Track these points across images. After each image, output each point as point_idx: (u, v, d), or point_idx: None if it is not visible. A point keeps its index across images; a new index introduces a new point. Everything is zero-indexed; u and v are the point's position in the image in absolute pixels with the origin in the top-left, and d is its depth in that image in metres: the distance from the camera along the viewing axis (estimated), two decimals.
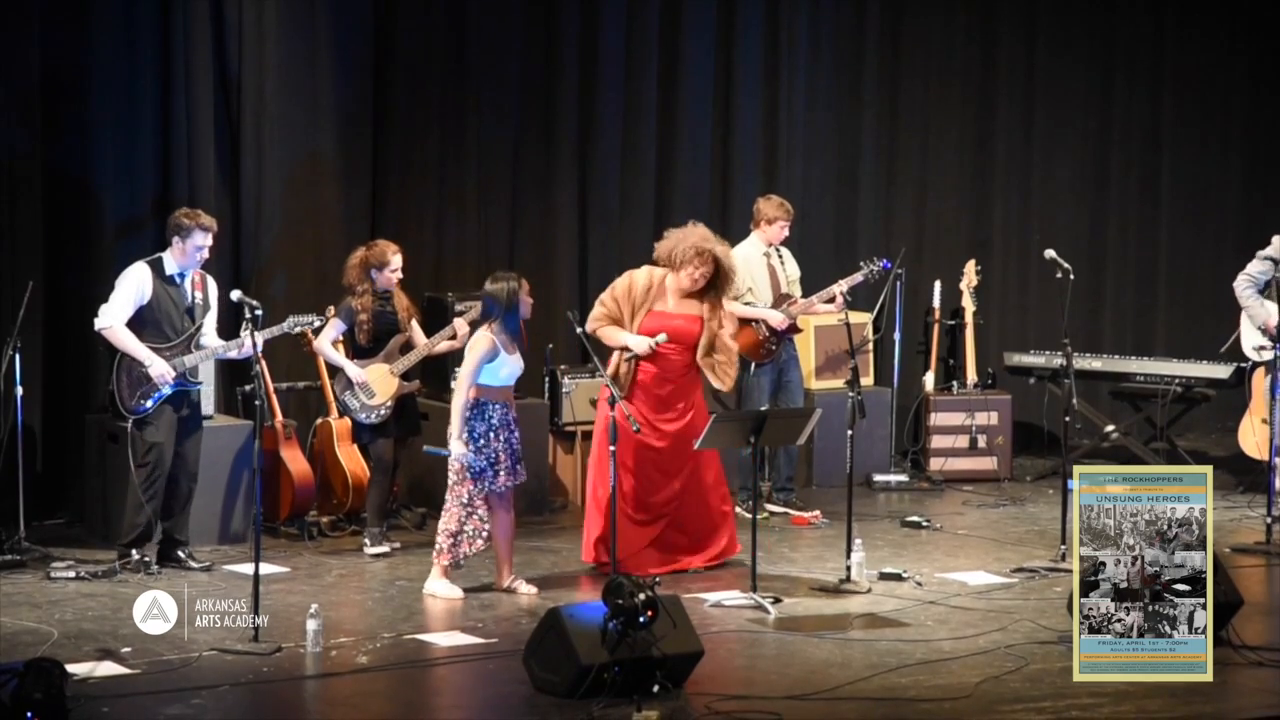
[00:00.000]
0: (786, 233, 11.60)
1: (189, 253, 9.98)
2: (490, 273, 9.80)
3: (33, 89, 10.84)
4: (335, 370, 10.71)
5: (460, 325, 10.62)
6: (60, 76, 10.93)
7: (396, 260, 10.66)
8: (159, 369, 9.88)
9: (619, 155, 12.68)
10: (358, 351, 10.70)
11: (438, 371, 11.21)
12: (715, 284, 10.06)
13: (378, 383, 10.61)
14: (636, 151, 12.73)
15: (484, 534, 9.47)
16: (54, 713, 6.83)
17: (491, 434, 9.42)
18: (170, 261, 10.01)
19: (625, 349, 9.98)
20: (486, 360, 9.38)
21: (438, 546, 9.51)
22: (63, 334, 10.83)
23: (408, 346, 10.71)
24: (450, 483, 9.45)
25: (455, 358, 10.36)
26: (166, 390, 9.92)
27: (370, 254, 10.66)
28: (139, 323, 9.93)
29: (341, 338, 10.64)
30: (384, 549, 10.49)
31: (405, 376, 10.67)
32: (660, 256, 10.07)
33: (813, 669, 8.31)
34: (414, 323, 10.80)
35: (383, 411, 10.62)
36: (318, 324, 10.16)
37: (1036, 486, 12.66)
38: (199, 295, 10.11)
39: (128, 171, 11.11)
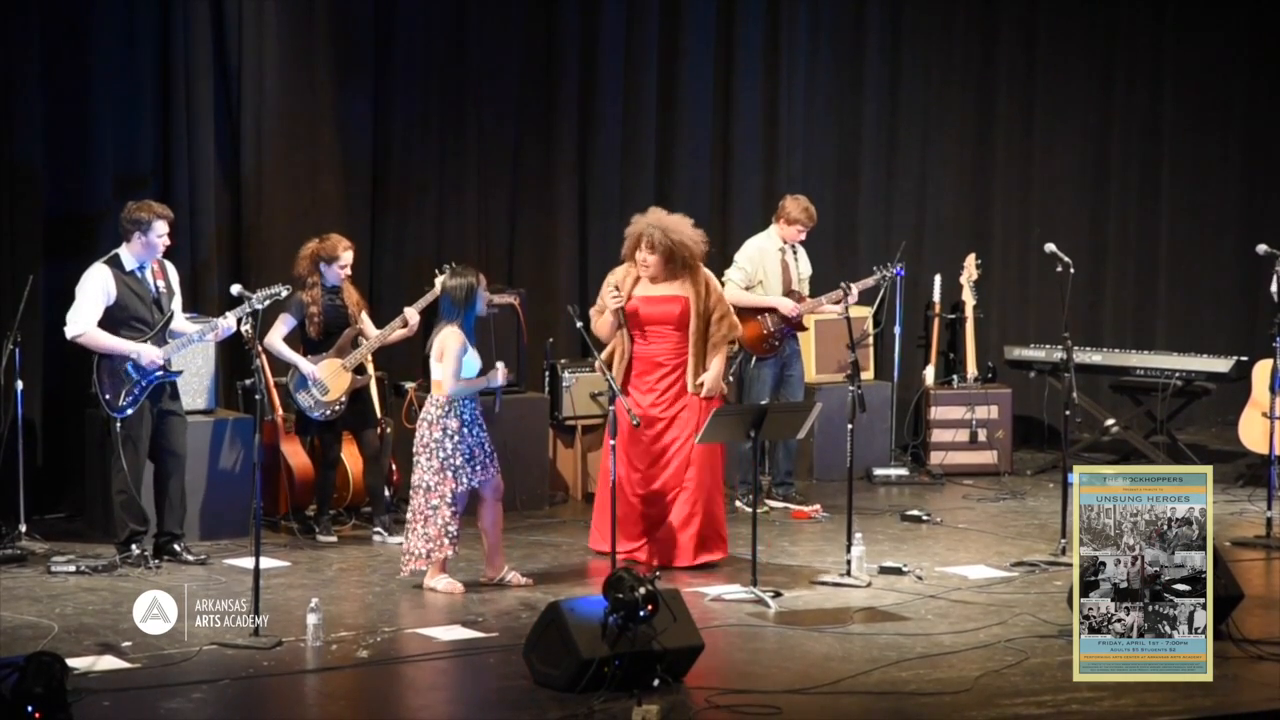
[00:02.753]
0: (803, 237, 11.59)
1: (151, 244, 9.89)
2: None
3: (33, 87, 10.83)
4: (287, 366, 10.63)
5: (411, 314, 10.54)
6: (60, 75, 10.91)
7: (347, 256, 10.58)
8: (149, 354, 9.83)
9: (619, 149, 12.66)
10: (309, 346, 10.64)
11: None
12: (676, 258, 10.07)
13: (330, 379, 10.56)
14: (637, 145, 12.71)
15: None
16: (55, 707, 6.82)
17: (465, 429, 9.44)
18: (129, 257, 9.91)
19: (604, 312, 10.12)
20: (462, 356, 9.39)
21: (413, 551, 9.45)
22: (63, 329, 10.81)
23: (359, 340, 10.67)
24: (431, 484, 9.43)
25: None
26: (149, 380, 9.87)
27: (322, 247, 10.57)
28: (110, 323, 9.87)
29: (293, 331, 10.56)
30: (332, 538, 10.55)
31: (358, 370, 10.63)
32: (623, 256, 10.23)
33: (813, 663, 8.31)
34: (365, 315, 10.73)
35: (336, 408, 10.60)
36: (284, 293, 9.98)
37: (1037, 480, 12.66)
38: (161, 284, 10.03)
39: (128, 167, 11.09)
